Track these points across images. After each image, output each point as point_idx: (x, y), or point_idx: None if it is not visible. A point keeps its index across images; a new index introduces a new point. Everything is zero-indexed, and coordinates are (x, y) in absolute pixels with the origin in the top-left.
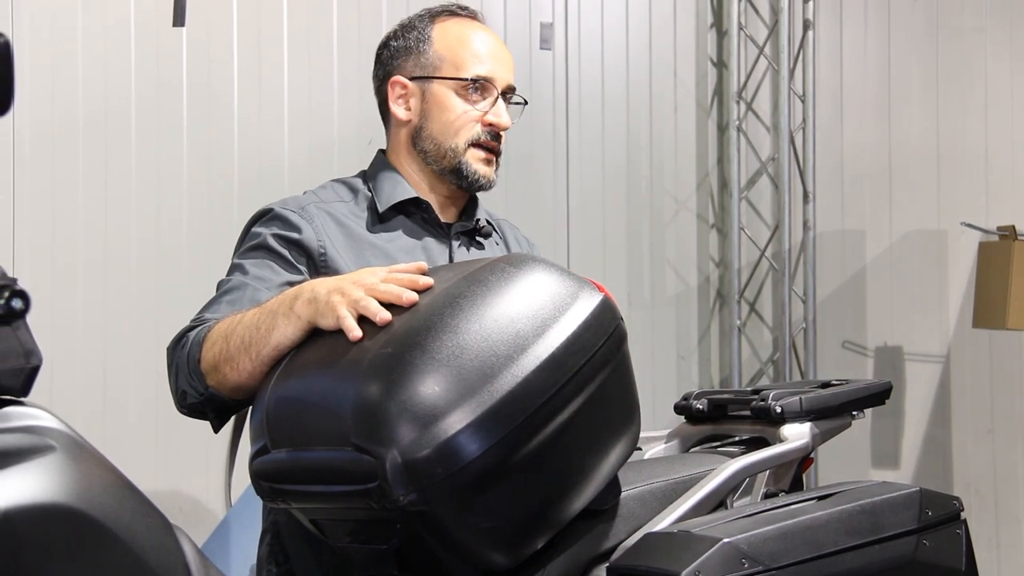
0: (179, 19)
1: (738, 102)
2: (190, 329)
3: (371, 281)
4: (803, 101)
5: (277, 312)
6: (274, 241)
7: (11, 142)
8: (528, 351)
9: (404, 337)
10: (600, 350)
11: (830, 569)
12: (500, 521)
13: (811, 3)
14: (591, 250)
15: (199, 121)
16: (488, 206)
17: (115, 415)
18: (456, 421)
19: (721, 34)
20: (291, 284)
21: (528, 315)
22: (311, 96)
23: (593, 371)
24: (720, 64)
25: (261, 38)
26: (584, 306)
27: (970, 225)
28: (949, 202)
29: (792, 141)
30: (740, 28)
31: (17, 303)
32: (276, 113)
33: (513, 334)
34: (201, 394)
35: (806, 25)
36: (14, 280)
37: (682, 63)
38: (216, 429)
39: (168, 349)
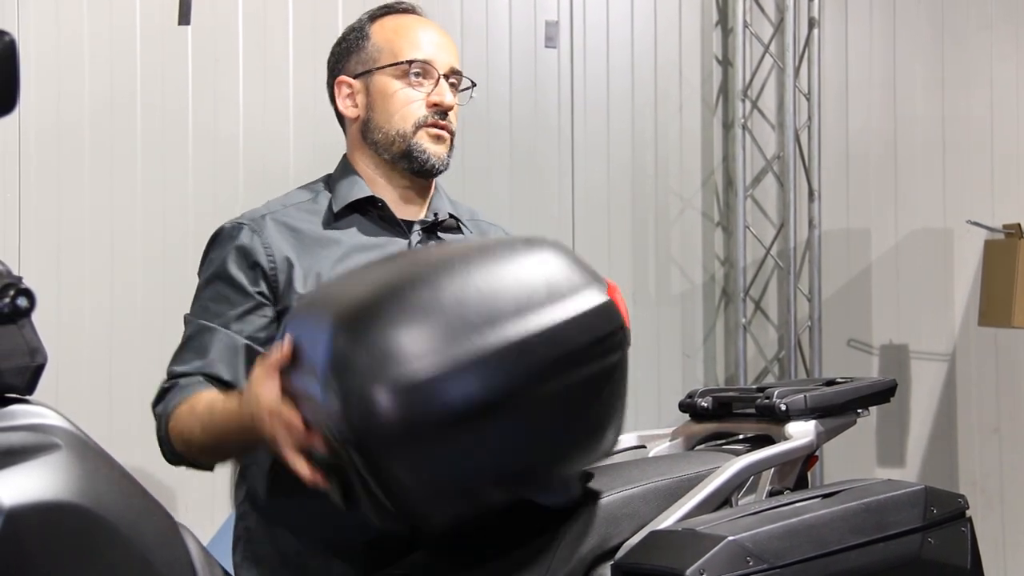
0: (184, 17)
1: (743, 100)
2: (165, 391)
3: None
4: (808, 99)
5: (233, 434)
6: (229, 266)
7: (17, 141)
8: (498, 326)
9: (387, 283)
10: (583, 349)
11: (835, 567)
12: (419, 480)
13: (816, 1)
14: (596, 248)
15: (204, 121)
16: (492, 204)
17: (121, 414)
18: (404, 372)
19: (726, 32)
20: (248, 312)
21: (514, 293)
22: (316, 96)
23: (566, 367)
24: (725, 62)
25: (267, 38)
26: (581, 302)
27: (976, 223)
28: (955, 200)
29: (797, 139)
30: (745, 26)
31: (22, 301)
32: (281, 114)
33: (490, 306)
34: (188, 465)
35: (811, 23)
36: (19, 279)
37: (687, 61)
38: (212, 470)
39: (152, 407)
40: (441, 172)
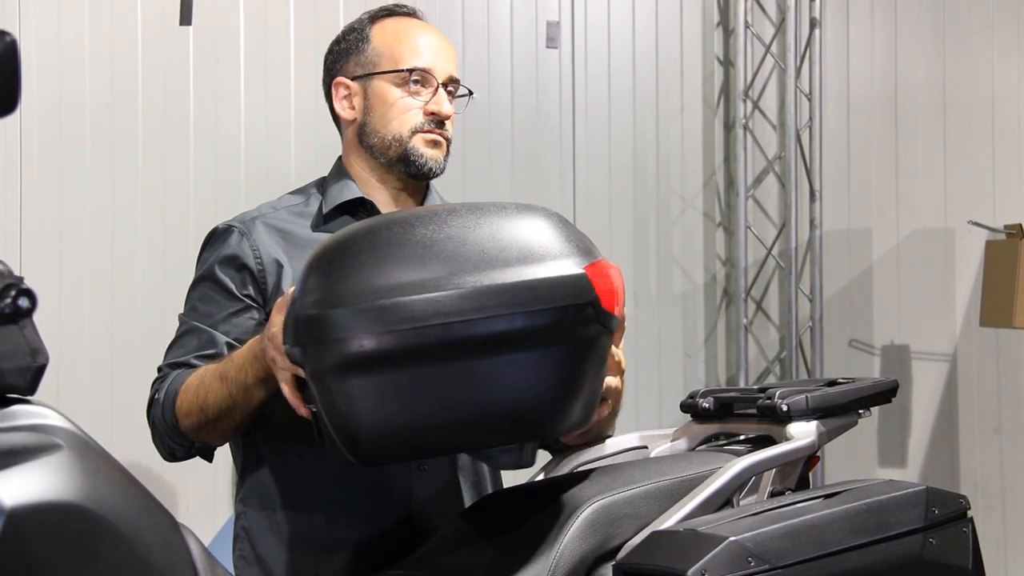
0: (186, 18)
1: (745, 100)
2: (154, 384)
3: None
4: (810, 99)
5: (249, 370)
6: (217, 268)
7: (18, 141)
8: (460, 271)
9: (372, 221)
10: (536, 315)
11: (836, 568)
12: (360, 410)
13: (818, 1)
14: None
15: (205, 122)
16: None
17: (122, 414)
18: (356, 299)
19: (728, 32)
20: (234, 314)
21: (485, 245)
22: (318, 97)
23: (521, 326)
24: (727, 63)
25: (268, 38)
26: (552, 268)
27: (977, 223)
28: (956, 200)
29: (799, 139)
30: (747, 26)
31: (23, 302)
32: (283, 114)
33: (455, 251)
34: (189, 449)
35: (813, 23)
36: (20, 279)
37: (689, 62)
38: (210, 460)
39: (147, 408)
40: (438, 175)
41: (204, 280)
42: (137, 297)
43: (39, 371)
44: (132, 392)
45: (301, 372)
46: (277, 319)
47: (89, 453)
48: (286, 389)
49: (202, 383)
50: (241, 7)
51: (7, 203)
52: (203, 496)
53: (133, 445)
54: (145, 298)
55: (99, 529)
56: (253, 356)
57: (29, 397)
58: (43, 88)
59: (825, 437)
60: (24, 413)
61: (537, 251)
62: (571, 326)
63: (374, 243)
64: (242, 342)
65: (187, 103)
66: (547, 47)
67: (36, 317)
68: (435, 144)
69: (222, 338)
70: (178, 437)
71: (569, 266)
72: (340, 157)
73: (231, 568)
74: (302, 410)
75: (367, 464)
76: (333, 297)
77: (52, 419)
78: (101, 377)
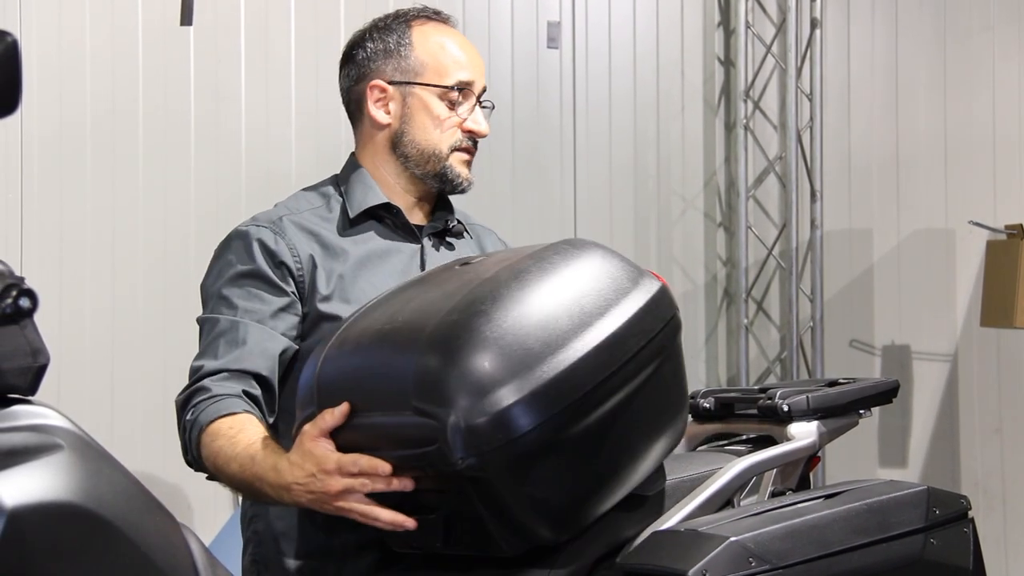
0: (187, 18)
1: (745, 101)
2: (193, 391)
3: (329, 464)
4: (810, 100)
5: (268, 488)
6: (261, 263)
7: (19, 142)
8: (590, 329)
9: (469, 306)
10: (657, 336)
11: (837, 568)
12: (551, 493)
13: (818, 2)
14: None
15: (206, 122)
16: (494, 204)
17: (123, 414)
18: (518, 390)
19: (728, 33)
20: (282, 310)
21: (591, 295)
22: (319, 98)
23: (650, 356)
24: (727, 63)
25: (269, 39)
26: (644, 292)
27: (978, 224)
28: (957, 201)
29: (799, 140)
30: (747, 27)
31: (24, 302)
32: (284, 115)
33: (577, 310)
34: (207, 476)
35: (813, 24)
36: (21, 279)
37: (689, 62)
38: None
39: (177, 406)
40: (467, 190)
41: (245, 277)
42: (138, 297)
43: (40, 371)
44: (133, 392)
45: (406, 486)
46: (325, 447)
47: (90, 453)
48: (372, 510)
49: (221, 451)
50: (242, 7)
51: (8, 203)
52: (204, 496)
53: (134, 446)
54: (146, 298)
55: (100, 529)
56: (281, 486)
57: (30, 397)
58: (44, 88)
59: (826, 437)
60: (25, 413)
61: (623, 281)
62: (673, 334)
63: (503, 330)
64: (290, 338)
65: (188, 103)
66: (548, 47)
67: (37, 317)
68: (467, 164)
69: (277, 335)
70: (196, 465)
71: (650, 284)
72: (354, 155)
73: (234, 569)
74: (401, 521)
75: (570, 536)
76: (496, 395)
77: (53, 419)
78: (102, 377)
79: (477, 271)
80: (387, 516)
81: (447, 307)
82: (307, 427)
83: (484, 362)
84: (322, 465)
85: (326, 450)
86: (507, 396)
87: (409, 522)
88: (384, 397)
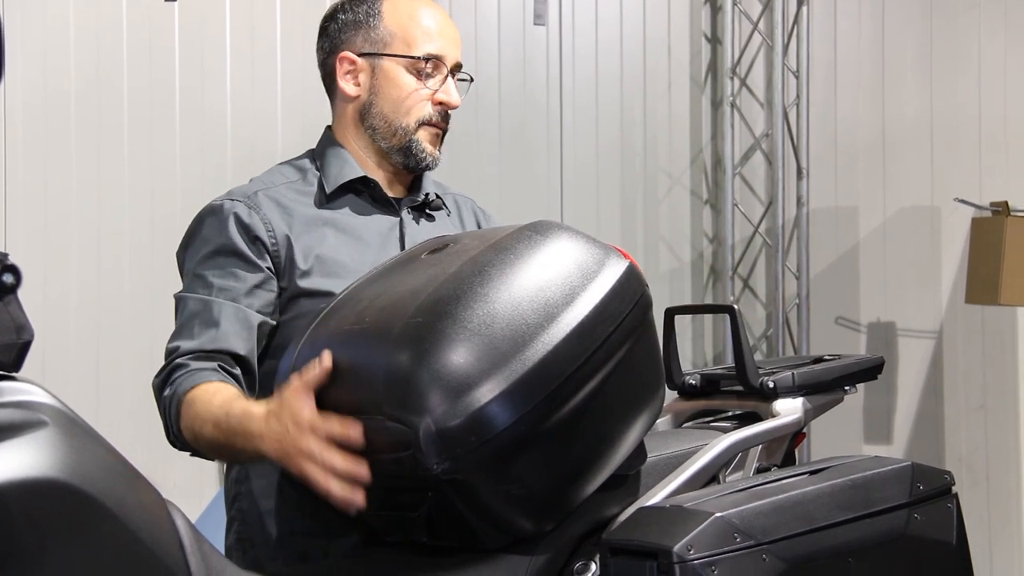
0: None
1: (732, 78)
2: (170, 370)
3: (305, 419)
4: (797, 77)
5: (240, 439)
6: (235, 239)
7: (2, 115)
8: (558, 319)
9: (433, 306)
10: (627, 317)
11: (822, 543)
12: (531, 487)
13: None
14: (585, 227)
15: (192, 97)
16: (480, 181)
17: (108, 391)
18: (489, 390)
19: (715, 10)
20: (257, 287)
21: (556, 283)
22: (304, 73)
23: (621, 338)
24: (714, 40)
25: (254, 13)
26: (611, 273)
27: (963, 201)
28: (942, 178)
29: (786, 117)
30: (734, 4)
31: (8, 278)
32: (269, 90)
33: (542, 302)
34: (191, 452)
35: (800, 1)
36: (5, 255)
37: (676, 39)
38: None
39: (155, 388)
40: (432, 170)
41: (219, 254)
42: (123, 272)
43: (24, 347)
44: (118, 369)
45: (361, 473)
46: (306, 403)
47: (75, 430)
48: (339, 491)
49: (197, 416)
50: None
51: None
52: (190, 473)
53: (119, 422)
54: (131, 272)
55: (85, 506)
56: (259, 435)
57: (14, 374)
58: (28, 63)
59: (811, 414)
60: (9, 390)
61: (589, 264)
62: (644, 313)
63: (468, 330)
64: (266, 315)
65: (173, 79)
66: (535, 24)
67: (21, 293)
68: (436, 139)
69: (252, 314)
70: (179, 442)
71: (616, 264)
72: (330, 128)
73: (220, 547)
74: (354, 498)
75: (553, 525)
76: (467, 398)
77: (37, 396)
78: (87, 353)
79: (443, 264)
80: (338, 491)
81: (412, 307)
82: (292, 378)
83: (452, 365)
84: (296, 418)
85: (303, 405)
86: (478, 398)
87: (357, 502)
88: (356, 401)
